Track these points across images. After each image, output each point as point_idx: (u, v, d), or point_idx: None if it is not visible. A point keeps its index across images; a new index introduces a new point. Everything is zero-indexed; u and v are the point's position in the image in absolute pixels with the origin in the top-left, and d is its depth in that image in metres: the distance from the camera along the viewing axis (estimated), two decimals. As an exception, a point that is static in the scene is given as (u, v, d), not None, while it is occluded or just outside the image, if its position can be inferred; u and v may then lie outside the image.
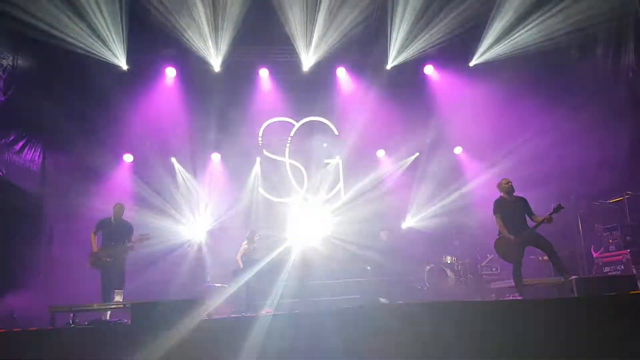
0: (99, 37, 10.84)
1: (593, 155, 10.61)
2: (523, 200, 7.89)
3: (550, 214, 7.46)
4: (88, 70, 11.11)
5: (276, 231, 12.66)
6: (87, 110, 11.34)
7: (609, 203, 10.21)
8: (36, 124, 10.83)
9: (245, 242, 10.64)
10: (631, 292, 6.24)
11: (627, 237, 9.33)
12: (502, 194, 7.98)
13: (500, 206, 7.90)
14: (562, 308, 4.89)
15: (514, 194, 7.91)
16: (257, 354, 5.28)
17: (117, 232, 8.85)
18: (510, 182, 7.94)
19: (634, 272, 8.60)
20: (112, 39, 10.99)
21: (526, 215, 7.79)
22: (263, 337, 5.44)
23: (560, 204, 7.43)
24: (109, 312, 8.09)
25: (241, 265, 10.15)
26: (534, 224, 7.66)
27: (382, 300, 10.35)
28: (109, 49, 11.12)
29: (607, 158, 10.38)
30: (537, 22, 11.04)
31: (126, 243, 8.78)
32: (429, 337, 4.49)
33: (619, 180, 10.13)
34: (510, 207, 7.84)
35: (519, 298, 7.82)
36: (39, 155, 11.02)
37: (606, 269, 9.44)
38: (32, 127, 10.75)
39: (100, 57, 11.08)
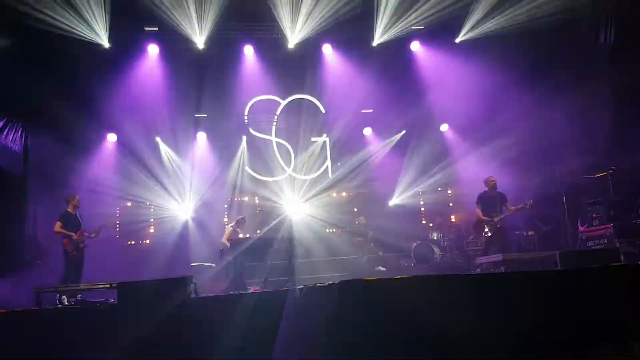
0: (80, 14, 10.54)
1: (578, 131, 10.69)
2: (502, 195, 9.49)
3: (522, 207, 9.15)
4: (69, 48, 10.86)
5: (263, 210, 12.64)
6: (69, 89, 11.09)
7: (594, 178, 10.28)
8: (16, 104, 10.61)
9: (231, 225, 10.57)
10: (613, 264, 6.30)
11: (611, 212, 9.40)
12: (486, 188, 9.52)
13: (482, 198, 9.54)
14: (545, 280, 4.95)
15: (496, 190, 9.49)
16: (244, 332, 5.29)
17: (78, 223, 8.98)
18: (495, 180, 9.53)
19: (617, 245, 8.70)
20: (94, 16, 10.70)
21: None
22: (250, 315, 5.45)
23: (532, 201, 9.05)
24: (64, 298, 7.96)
25: (228, 245, 10.12)
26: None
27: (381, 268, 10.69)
28: (90, 27, 10.83)
29: (592, 133, 10.46)
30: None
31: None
32: (414, 312, 4.51)
33: (604, 155, 10.22)
34: (490, 199, 9.45)
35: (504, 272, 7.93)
36: (20, 136, 10.84)
37: (590, 243, 9.52)
38: (11, 107, 10.54)
39: (82, 35, 10.81)
